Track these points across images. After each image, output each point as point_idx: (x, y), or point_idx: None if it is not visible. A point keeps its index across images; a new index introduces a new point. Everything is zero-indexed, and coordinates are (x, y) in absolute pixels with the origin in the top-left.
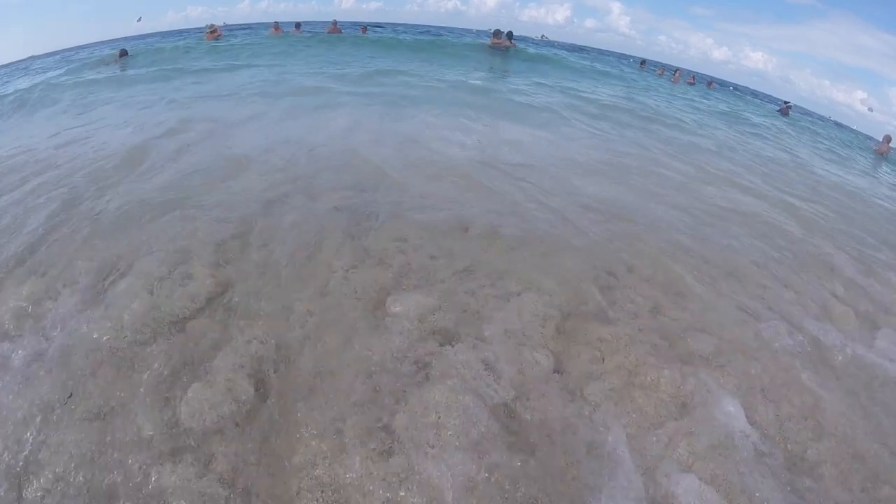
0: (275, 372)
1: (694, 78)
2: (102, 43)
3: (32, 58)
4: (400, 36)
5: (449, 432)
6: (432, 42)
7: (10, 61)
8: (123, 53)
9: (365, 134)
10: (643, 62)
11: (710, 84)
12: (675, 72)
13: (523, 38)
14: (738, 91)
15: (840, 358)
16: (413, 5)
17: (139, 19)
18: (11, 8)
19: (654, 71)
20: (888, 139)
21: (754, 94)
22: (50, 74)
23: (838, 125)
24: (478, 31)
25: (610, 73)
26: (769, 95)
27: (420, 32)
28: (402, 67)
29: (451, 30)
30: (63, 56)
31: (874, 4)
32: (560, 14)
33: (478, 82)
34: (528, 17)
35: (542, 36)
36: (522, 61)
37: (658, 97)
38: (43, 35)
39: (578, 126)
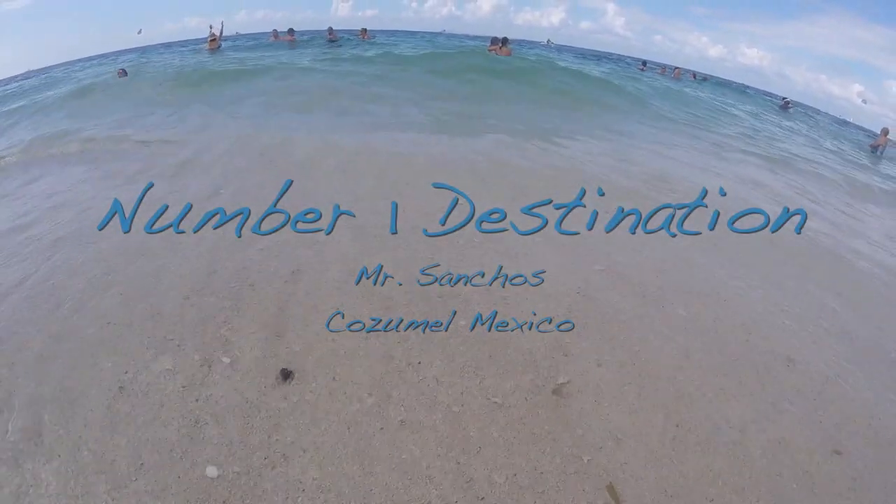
0: None
1: (695, 75)
2: (101, 56)
3: (28, 73)
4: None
5: None
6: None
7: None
8: (122, 73)
9: None
10: (644, 63)
11: (706, 77)
12: (675, 70)
13: (531, 44)
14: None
15: None
16: (409, 12)
17: (139, 31)
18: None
19: (656, 71)
20: (886, 132)
21: (756, 90)
22: None
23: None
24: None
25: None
26: (768, 91)
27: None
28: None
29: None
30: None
31: None
32: (555, 16)
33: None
34: (523, 20)
35: (548, 41)
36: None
37: None
38: (39, 49)
39: None
